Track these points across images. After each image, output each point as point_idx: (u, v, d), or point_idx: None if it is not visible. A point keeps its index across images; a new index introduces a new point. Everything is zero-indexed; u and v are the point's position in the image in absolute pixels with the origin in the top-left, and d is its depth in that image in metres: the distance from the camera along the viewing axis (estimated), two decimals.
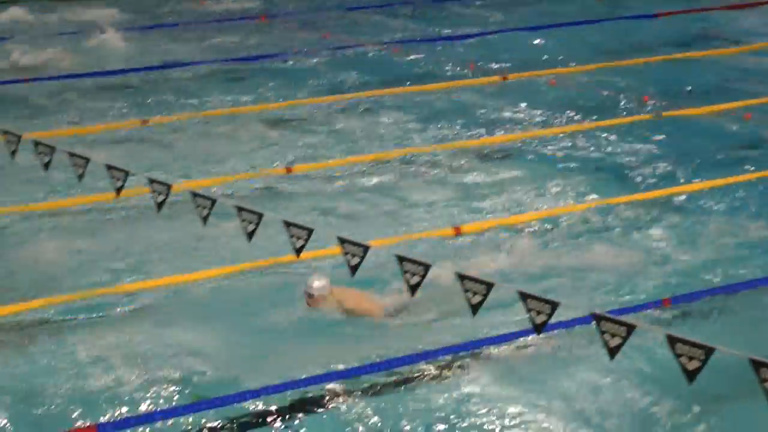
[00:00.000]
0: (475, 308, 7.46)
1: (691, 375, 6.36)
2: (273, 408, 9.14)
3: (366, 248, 8.17)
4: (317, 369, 9.63)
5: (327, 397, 9.29)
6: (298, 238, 8.51)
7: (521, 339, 10.04)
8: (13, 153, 10.58)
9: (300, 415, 9.07)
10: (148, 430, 8.79)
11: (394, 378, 9.57)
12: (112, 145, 15.47)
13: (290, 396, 9.27)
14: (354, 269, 8.20)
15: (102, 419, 8.95)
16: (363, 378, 9.53)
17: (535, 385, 9.44)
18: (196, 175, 14.38)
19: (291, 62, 20.31)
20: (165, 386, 9.50)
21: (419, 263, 7.87)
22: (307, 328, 10.50)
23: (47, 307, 10.89)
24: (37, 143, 10.27)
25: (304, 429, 8.92)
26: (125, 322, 10.72)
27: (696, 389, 6.57)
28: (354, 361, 9.78)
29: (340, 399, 9.26)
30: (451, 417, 9.03)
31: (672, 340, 6.42)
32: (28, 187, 13.72)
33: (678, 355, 6.41)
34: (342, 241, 8.26)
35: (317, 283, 10.66)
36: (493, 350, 9.97)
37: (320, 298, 10.62)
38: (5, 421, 9.03)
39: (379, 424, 8.94)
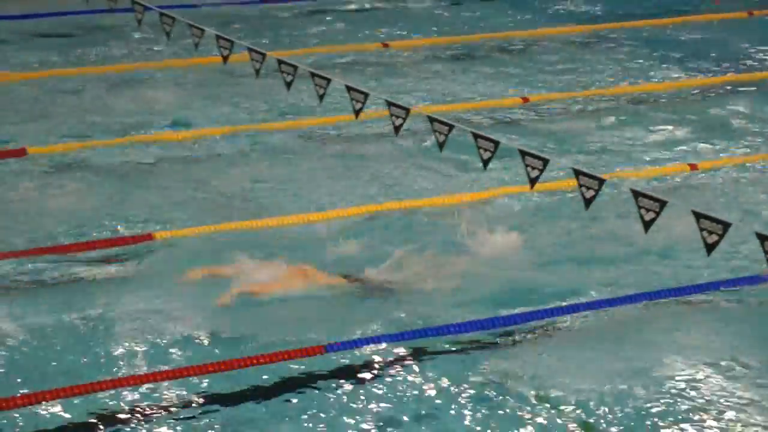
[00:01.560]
0: (710, 248, 7.45)
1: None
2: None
3: (602, 181, 8.14)
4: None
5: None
6: (533, 168, 8.55)
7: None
8: (258, 72, 10.87)
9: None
10: (367, 349, 8.87)
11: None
12: (354, 68, 15.68)
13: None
14: (588, 202, 8.20)
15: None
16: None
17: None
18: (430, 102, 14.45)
19: None
20: None
21: (654, 199, 7.80)
22: None
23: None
24: (280, 62, 10.53)
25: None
26: None
27: None
28: None
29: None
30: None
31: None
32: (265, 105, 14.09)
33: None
34: (577, 173, 8.24)
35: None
36: None
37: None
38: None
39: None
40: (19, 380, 8.15)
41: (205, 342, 8.71)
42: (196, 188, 11.70)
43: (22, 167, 11.98)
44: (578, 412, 7.92)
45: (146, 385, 8.10)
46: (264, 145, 12.87)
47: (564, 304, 9.33)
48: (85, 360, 8.46)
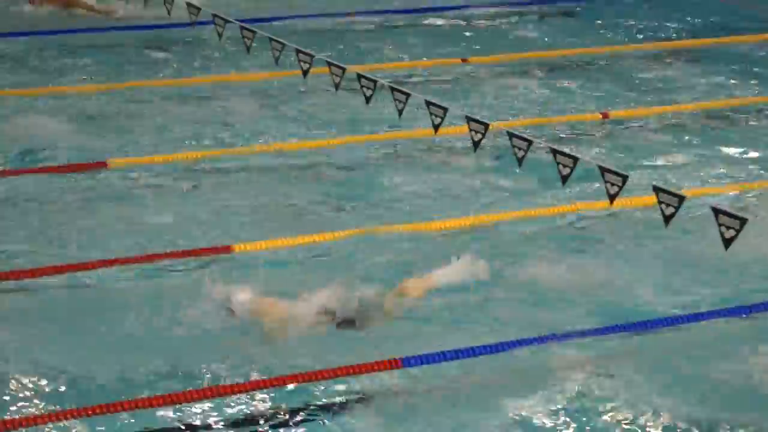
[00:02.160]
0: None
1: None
2: None
3: (682, 198, 8.08)
4: None
5: None
6: (612, 184, 8.50)
7: None
8: (337, 86, 10.93)
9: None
10: (453, 364, 8.89)
11: None
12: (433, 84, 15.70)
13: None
14: (668, 219, 8.14)
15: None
16: None
17: None
18: (512, 117, 14.43)
19: None
20: None
21: (736, 217, 7.74)
22: None
23: None
24: (360, 76, 10.58)
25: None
26: None
27: None
28: None
29: None
30: None
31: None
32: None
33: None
34: (657, 189, 8.19)
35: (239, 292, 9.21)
36: None
37: (237, 306, 9.12)
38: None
39: None
40: None
41: None
42: (269, 201, 11.82)
43: (103, 180, 12.16)
44: None
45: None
46: (339, 159, 12.95)
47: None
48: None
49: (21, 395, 8.22)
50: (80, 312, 9.41)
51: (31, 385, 8.31)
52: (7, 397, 8.19)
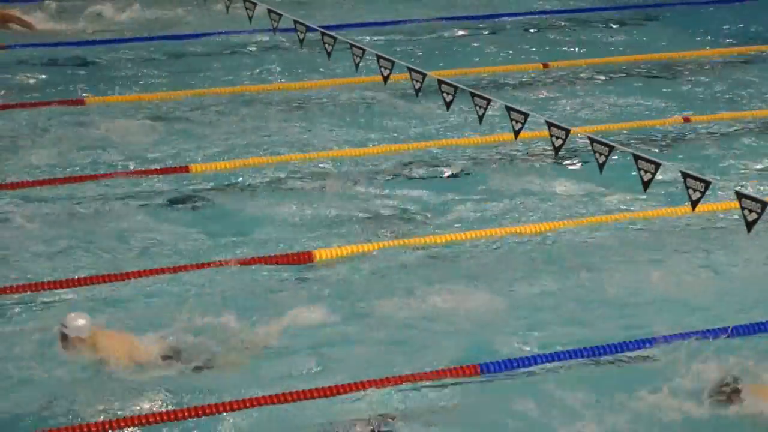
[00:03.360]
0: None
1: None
2: None
3: (765, 204, 8.01)
4: None
5: None
6: (695, 189, 8.44)
7: None
8: (418, 91, 10.95)
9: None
10: (533, 369, 8.90)
11: None
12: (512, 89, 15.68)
13: None
14: (751, 225, 8.10)
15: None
16: None
17: None
18: (592, 123, 14.36)
19: None
20: None
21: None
22: None
23: None
24: (441, 82, 10.58)
25: None
26: None
27: None
28: None
29: None
30: None
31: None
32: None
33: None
34: (740, 195, 8.14)
35: (79, 322, 8.79)
36: None
37: (76, 340, 8.74)
38: None
39: None
40: None
41: None
42: (353, 206, 11.89)
43: (186, 184, 12.30)
44: None
45: None
46: (419, 163, 12.99)
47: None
48: None
49: None
50: None
51: None
52: None
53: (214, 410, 8.30)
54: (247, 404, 8.37)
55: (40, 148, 13.02)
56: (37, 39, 17.01)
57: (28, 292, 9.96)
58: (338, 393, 8.53)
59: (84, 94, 14.83)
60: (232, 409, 8.31)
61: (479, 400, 8.57)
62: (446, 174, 12.80)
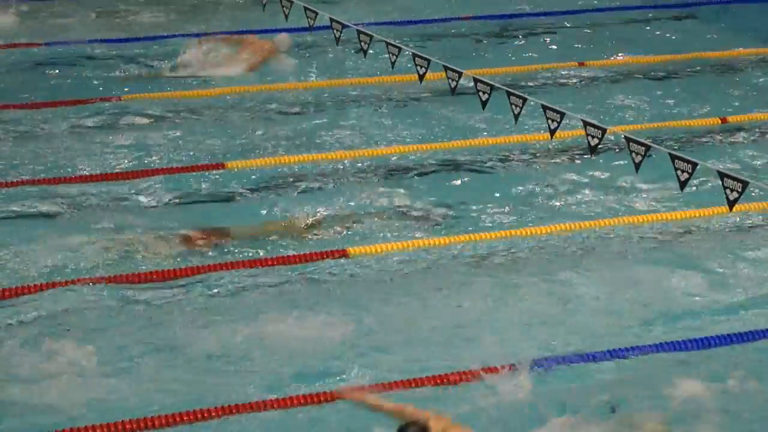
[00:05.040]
0: None
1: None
2: None
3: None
4: None
5: None
6: (732, 189, 8.43)
7: None
8: (453, 90, 10.94)
9: None
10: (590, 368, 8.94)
11: None
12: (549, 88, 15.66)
13: None
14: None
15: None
16: None
17: None
18: (626, 122, 14.32)
19: None
20: None
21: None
22: None
23: None
24: (476, 80, 10.58)
25: None
26: None
27: None
28: None
29: None
30: None
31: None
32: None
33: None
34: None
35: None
36: None
37: None
38: None
39: None
40: None
41: None
42: (387, 204, 11.94)
43: (222, 180, 12.39)
44: None
45: None
46: (456, 163, 12.99)
47: None
48: None
49: None
50: None
51: None
52: None
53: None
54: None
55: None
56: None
57: None
58: None
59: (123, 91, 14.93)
60: None
61: None
62: (483, 171, 12.82)
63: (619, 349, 9.13)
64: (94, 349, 8.97)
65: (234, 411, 8.36)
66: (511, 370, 8.60)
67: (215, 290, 10.08)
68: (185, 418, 8.28)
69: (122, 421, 8.20)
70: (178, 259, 10.55)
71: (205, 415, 8.34)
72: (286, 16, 13.45)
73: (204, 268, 10.41)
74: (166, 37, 16.90)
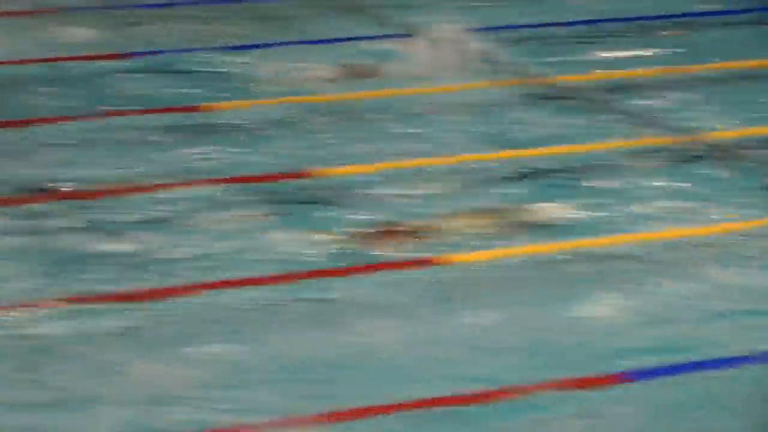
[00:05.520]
0: None
1: None
2: None
3: None
4: None
5: None
6: None
7: None
8: (541, 96, 11.00)
9: None
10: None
11: None
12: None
13: None
14: None
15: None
16: None
17: None
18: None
19: None
20: None
21: None
22: None
23: None
24: (562, 86, 10.62)
25: None
26: None
27: None
28: None
29: None
30: None
31: None
32: None
33: None
34: None
35: None
36: None
37: None
38: None
39: None
40: None
41: None
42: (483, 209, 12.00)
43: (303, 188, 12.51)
44: None
45: None
46: (528, 169, 13.05)
47: None
48: None
49: None
50: None
51: None
52: None
53: None
54: None
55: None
56: None
57: None
58: None
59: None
60: None
61: None
62: (577, 179, 12.84)
63: None
64: None
65: None
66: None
67: None
68: None
69: None
70: None
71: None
72: None
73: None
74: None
